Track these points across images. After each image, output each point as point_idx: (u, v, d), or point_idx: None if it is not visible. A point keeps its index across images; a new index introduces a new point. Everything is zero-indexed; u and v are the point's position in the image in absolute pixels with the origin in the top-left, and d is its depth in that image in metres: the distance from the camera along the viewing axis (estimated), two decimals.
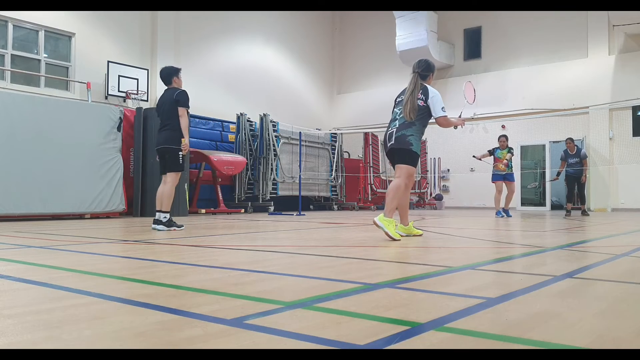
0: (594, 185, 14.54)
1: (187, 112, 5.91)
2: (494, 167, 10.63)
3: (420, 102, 4.77)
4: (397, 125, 4.80)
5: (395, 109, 4.97)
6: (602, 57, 14.48)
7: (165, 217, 5.77)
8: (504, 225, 7.16)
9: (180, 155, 5.85)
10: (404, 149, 4.73)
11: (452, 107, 18.02)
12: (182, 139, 5.84)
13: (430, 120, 4.91)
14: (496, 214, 10.27)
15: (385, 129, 4.99)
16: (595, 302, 1.95)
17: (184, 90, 5.92)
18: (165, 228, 5.73)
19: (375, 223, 4.47)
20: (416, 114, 4.76)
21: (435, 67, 5.14)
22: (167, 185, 5.86)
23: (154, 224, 5.91)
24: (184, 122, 5.83)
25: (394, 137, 4.78)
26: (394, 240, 4.38)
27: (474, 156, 11.08)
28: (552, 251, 3.81)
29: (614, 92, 14.15)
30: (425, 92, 4.84)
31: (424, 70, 4.94)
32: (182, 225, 5.99)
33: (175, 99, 5.83)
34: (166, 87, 6.09)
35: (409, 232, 4.96)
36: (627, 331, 1.52)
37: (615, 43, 14.39)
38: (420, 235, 5.01)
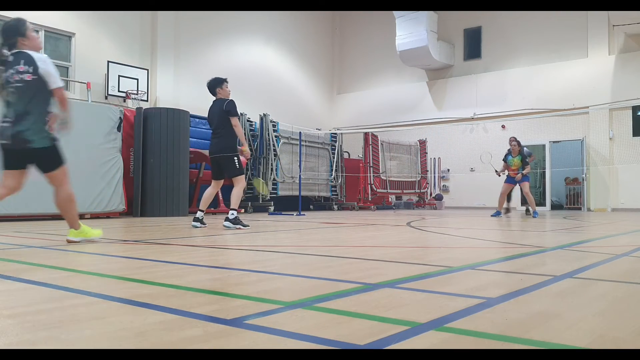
0: (594, 185, 14.55)
1: (239, 120, 6.26)
2: (508, 172, 10.43)
3: (27, 76, 3.68)
4: (11, 118, 3.70)
5: None
6: (602, 57, 14.48)
7: (232, 215, 6.09)
8: (504, 225, 7.15)
9: (236, 160, 6.19)
10: (29, 149, 3.69)
11: (452, 107, 18.11)
12: (242, 147, 6.24)
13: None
14: (494, 214, 10.21)
15: None
16: (595, 302, 1.95)
17: (232, 100, 6.26)
18: (233, 225, 6.04)
19: (71, 242, 4.06)
20: (26, 95, 3.69)
21: (22, 26, 3.91)
22: (236, 188, 6.18)
23: (194, 221, 6.30)
24: (239, 131, 6.19)
25: (9, 135, 3.68)
26: (95, 240, 4.12)
27: (496, 171, 10.68)
28: (552, 251, 3.81)
29: (614, 92, 14.15)
30: (30, 60, 3.72)
31: (9, 37, 3.84)
32: (248, 225, 6.28)
33: (225, 109, 6.15)
34: (214, 98, 6.42)
35: (85, 235, 4.20)
36: (627, 331, 1.52)
37: (615, 43, 14.39)
38: (98, 235, 4.32)
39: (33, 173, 3.92)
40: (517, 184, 10.31)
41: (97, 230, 4.34)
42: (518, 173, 10.20)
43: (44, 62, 3.73)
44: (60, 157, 3.86)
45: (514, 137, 10.42)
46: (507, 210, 11.05)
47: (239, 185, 6.21)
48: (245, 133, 12.82)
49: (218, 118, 6.25)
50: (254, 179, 12.07)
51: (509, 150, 10.43)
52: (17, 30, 3.85)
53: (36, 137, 3.67)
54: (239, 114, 6.29)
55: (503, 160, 10.51)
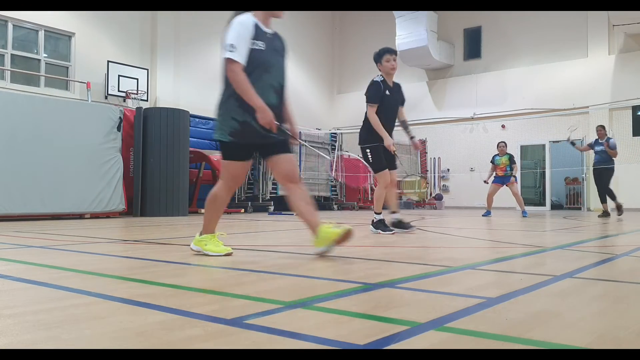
0: (594, 185, 14.53)
1: (374, 109, 5.06)
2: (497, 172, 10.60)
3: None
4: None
5: None
6: (602, 57, 14.48)
7: (376, 217, 5.24)
8: (504, 226, 7.15)
9: (369, 153, 5.14)
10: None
11: (452, 107, 18.10)
12: (385, 142, 5.11)
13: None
14: (484, 213, 10.29)
15: None
16: (595, 302, 1.95)
17: (375, 82, 5.12)
18: (374, 230, 5.21)
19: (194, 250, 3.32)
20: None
21: None
22: (377, 188, 5.33)
23: (392, 226, 5.28)
24: (373, 120, 5.07)
25: None
26: (225, 255, 3.23)
27: (485, 182, 10.87)
28: (552, 251, 3.80)
29: (614, 92, 14.15)
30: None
31: None
32: (392, 230, 5.17)
33: (365, 93, 5.07)
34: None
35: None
36: (627, 331, 1.52)
37: (615, 43, 14.39)
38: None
39: None
40: (505, 185, 10.43)
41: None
42: (506, 173, 10.30)
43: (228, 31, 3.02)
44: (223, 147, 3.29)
45: (503, 142, 10.78)
46: (612, 211, 10.80)
47: (380, 183, 5.23)
48: None
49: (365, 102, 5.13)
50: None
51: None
52: None
53: (219, 128, 3.22)
54: (374, 101, 5.01)
55: (491, 162, 10.67)
